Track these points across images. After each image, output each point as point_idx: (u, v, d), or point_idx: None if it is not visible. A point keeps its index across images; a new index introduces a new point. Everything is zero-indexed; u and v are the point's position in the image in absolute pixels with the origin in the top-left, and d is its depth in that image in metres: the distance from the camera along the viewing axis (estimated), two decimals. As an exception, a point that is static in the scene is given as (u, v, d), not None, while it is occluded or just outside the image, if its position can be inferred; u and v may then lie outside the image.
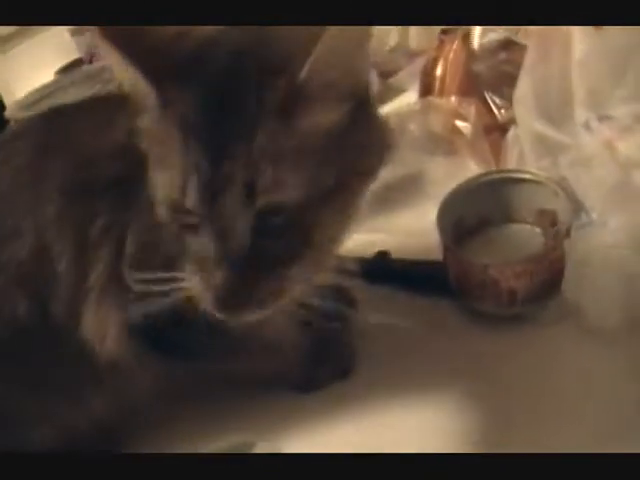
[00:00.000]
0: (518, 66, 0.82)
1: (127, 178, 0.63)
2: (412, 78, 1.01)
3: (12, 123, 1.30)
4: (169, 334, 0.65)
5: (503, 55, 0.89)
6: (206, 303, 0.53)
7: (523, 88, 0.80)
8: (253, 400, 0.72)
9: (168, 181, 0.52)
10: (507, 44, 0.89)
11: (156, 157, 0.54)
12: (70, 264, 0.64)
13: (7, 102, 1.57)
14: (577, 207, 0.72)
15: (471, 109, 0.86)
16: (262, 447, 0.67)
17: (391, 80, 1.09)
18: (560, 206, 0.73)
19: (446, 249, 0.74)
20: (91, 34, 1.43)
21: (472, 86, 0.89)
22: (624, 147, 0.74)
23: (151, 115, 0.54)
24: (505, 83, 0.86)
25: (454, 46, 0.92)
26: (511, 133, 0.83)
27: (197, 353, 0.68)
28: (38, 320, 0.64)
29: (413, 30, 1.08)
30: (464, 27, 0.92)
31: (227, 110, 0.50)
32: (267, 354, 0.70)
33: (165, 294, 0.56)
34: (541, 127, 0.78)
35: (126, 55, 0.51)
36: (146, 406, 0.69)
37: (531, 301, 0.70)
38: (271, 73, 0.50)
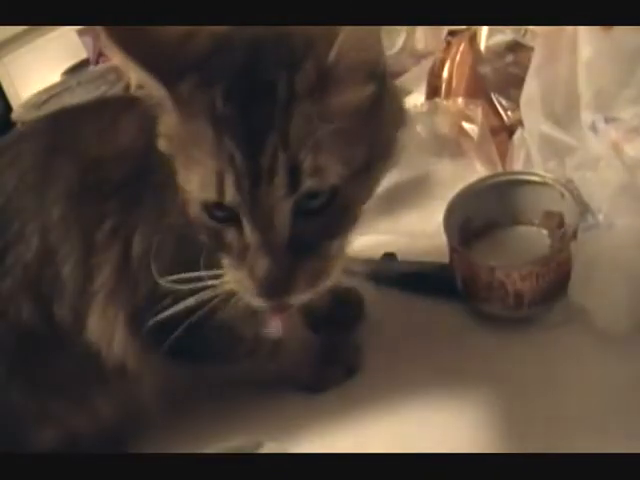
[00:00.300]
0: (525, 68, 0.82)
1: (134, 180, 0.63)
2: (419, 80, 1.01)
3: (19, 124, 1.30)
4: (179, 337, 0.63)
5: (510, 57, 0.88)
6: (250, 294, 0.53)
7: (530, 90, 0.80)
8: (260, 401, 0.73)
9: (201, 181, 0.52)
10: (514, 46, 0.89)
11: (184, 159, 0.54)
12: (76, 267, 0.64)
13: (14, 103, 1.58)
14: (584, 209, 0.72)
15: (478, 111, 0.86)
16: (270, 447, 0.67)
17: (398, 82, 1.08)
18: (567, 208, 0.73)
19: (453, 251, 0.74)
20: (98, 35, 1.45)
21: (479, 88, 0.89)
22: (631, 149, 0.74)
23: (171, 117, 0.53)
24: (512, 85, 0.86)
25: (461, 48, 0.92)
26: (518, 135, 0.83)
27: (206, 356, 0.68)
28: (43, 322, 0.65)
29: (420, 32, 1.08)
30: (471, 29, 0.93)
31: (258, 100, 0.50)
32: (277, 355, 0.70)
33: (199, 291, 0.56)
34: (548, 129, 0.78)
35: (137, 60, 0.51)
36: (152, 408, 0.69)
37: (538, 303, 0.70)
38: (300, 57, 0.50)
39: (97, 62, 1.52)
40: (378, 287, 0.82)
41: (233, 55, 0.52)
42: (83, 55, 1.57)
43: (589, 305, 0.68)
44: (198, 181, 0.52)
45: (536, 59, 0.81)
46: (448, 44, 0.94)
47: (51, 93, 1.39)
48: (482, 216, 0.78)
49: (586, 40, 0.79)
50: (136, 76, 0.53)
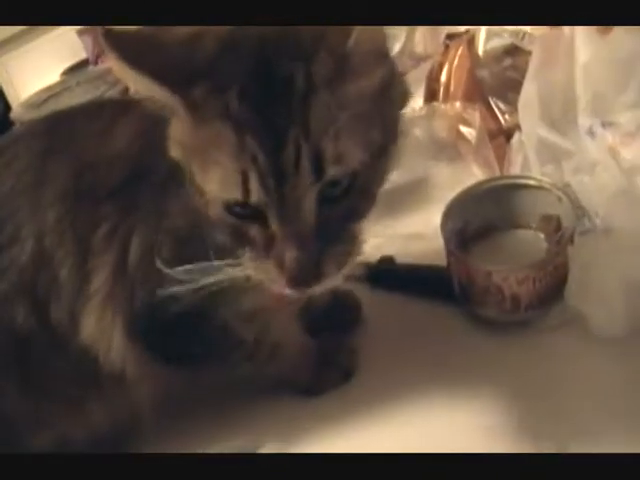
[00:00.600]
0: (523, 72, 0.82)
1: (131, 184, 0.63)
2: (417, 83, 1.01)
3: (18, 124, 1.30)
4: (178, 340, 0.65)
5: (508, 61, 0.89)
6: (279, 284, 0.54)
7: (527, 94, 0.80)
8: (258, 403, 0.73)
9: (223, 182, 0.51)
10: (512, 50, 0.89)
11: (201, 162, 0.53)
12: (72, 270, 0.63)
13: (13, 103, 1.57)
14: (581, 213, 0.72)
15: (476, 115, 0.86)
16: (268, 449, 0.68)
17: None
18: (564, 212, 0.73)
19: (450, 254, 0.74)
20: (97, 35, 1.45)
21: (477, 92, 0.89)
22: (628, 153, 0.74)
23: (183, 122, 0.53)
24: (510, 89, 0.86)
25: (459, 51, 0.92)
26: (515, 139, 0.83)
27: (205, 359, 0.68)
28: (39, 326, 0.64)
29: (418, 35, 1.08)
30: (469, 32, 0.93)
31: (275, 96, 0.50)
32: (274, 359, 0.71)
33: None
34: (545, 133, 0.78)
35: (145, 72, 0.50)
36: (149, 413, 0.69)
37: (534, 307, 0.71)
38: (313, 49, 0.51)
39: (96, 62, 1.52)
40: (375, 290, 0.82)
41: (242, 55, 0.51)
42: (82, 55, 1.57)
43: (586, 309, 0.68)
44: (219, 182, 0.52)
45: (534, 63, 0.81)
46: (446, 47, 0.94)
47: (50, 93, 1.39)
48: (479, 219, 0.78)
49: (583, 44, 0.80)
50: (144, 87, 0.52)
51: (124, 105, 0.68)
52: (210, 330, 0.65)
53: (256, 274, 0.55)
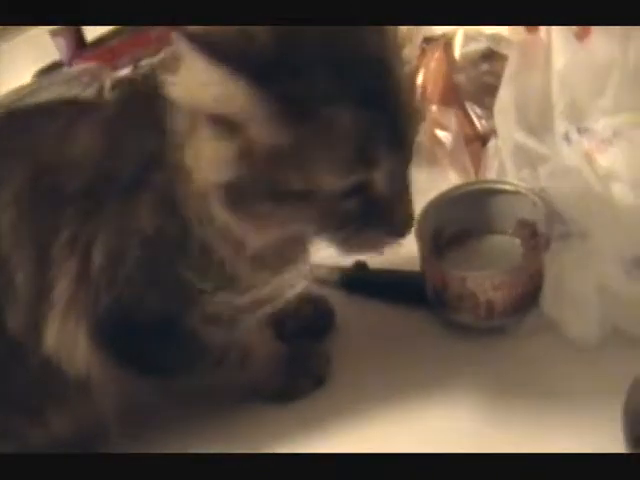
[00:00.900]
0: (499, 76, 0.82)
1: (93, 189, 0.60)
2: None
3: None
4: (144, 345, 0.64)
5: (485, 65, 0.88)
6: (379, 245, 0.60)
7: (504, 99, 0.80)
8: (228, 410, 0.72)
9: (339, 169, 0.53)
10: (489, 54, 0.89)
11: (297, 161, 0.52)
12: (30, 277, 0.61)
13: (-16, 103, 1.55)
14: (556, 218, 0.72)
15: (452, 119, 0.86)
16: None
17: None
18: (539, 217, 0.73)
19: (424, 259, 0.73)
20: (72, 35, 1.43)
21: (453, 96, 0.88)
22: (603, 160, 0.74)
23: (263, 127, 0.51)
24: (486, 93, 0.86)
25: (436, 55, 0.91)
26: (491, 144, 0.83)
27: (173, 366, 0.67)
28: None
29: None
30: (446, 36, 0.92)
31: (385, 91, 0.53)
32: (243, 365, 0.69)
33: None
34: (521, 138, 0.77)
35: (235, 69, 0.49)
36: (114, 422, 0.67)
37: (509, 313, 0.70)
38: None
39: (71, 64, 1.50)
40: (349, 296, 0.81)
41: (327, 52, 0.52)
42: (56, 56, 1.55)
43: (561, 315, 0.68)
44: (334, 170, 0.53)
45: (510, 68, 0.81)
46: (423, 51, 0.93)
47: (21, 94, 1.37)
48: (455, 224, 0.78)
49: (560, 50, 0.80)
50: (227, 90, 0.50)
51: (83, 106, 0.65)
52: (177, 335, 0.63)
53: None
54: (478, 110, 0.87)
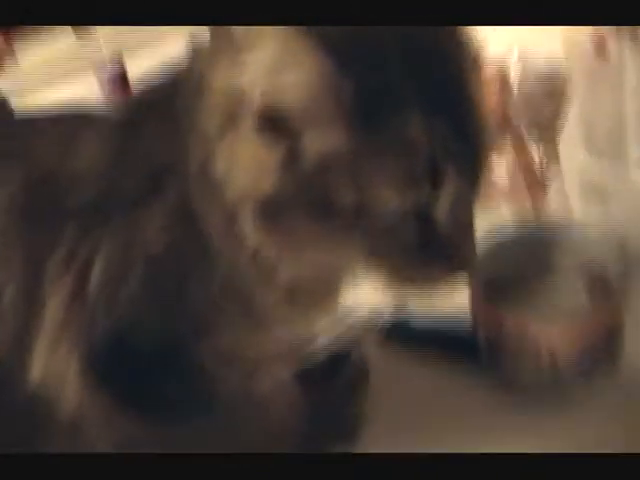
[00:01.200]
0: (560, 99, 0.79)
1: (97, 203, 0.57)
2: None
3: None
4: (144, 378, 0.58)
5: (541, 87, 0.82)
6: None
7: (568, 122, 0.77)
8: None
9: (411, 177, 0.49)
10: (545, 75, 0.82)
11: (363, 171, 0.48)
12: (18, 296, 0.57)
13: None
14: (629, 258, 0.67)
15: (507, 146, 0.81)
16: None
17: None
18: (609, 257, 0.67)
19: (475, 304, 0.67)
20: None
21: (507, 121, 0.83)
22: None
23: (320, 133, 0.48)
24: (544, 117, 0.81)
25: (488, 77, 0.85)
26: (553, 174, 0.79)
27: (176, 403, 0.60)
28: None
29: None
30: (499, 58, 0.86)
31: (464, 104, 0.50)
32: (259, 413, 0.63)
33: None
34: (589, 165, 0.75)
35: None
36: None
37: (579, 369, 0.63)
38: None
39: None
40: (385, 344, 0.75)
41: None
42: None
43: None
44: (388, 189, 0.49)
45: (574, 89, 0.78)
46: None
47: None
48: (511, 267, 0.70)
49: (632, 67, 0.75)
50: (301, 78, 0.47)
51: (84, 117, 0.63)
52: (184, 368, 0.58)
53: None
54: (536, 136, 0.82)
